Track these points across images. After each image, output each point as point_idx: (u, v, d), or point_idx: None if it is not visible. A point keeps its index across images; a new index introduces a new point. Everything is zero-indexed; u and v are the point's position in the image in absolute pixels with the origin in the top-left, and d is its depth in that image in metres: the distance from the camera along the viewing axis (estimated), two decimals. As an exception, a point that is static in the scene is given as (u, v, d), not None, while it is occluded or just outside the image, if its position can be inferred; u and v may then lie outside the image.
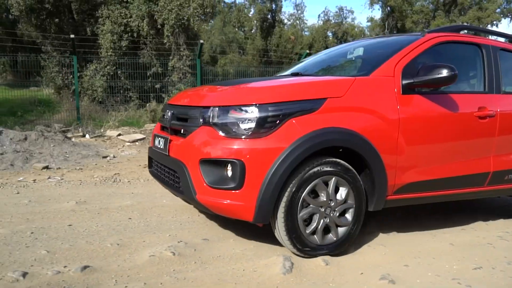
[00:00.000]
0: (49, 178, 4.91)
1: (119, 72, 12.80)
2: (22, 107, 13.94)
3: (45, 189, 4.44)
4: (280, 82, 3.27)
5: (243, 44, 29.08)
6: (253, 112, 2.73)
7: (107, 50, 12.55)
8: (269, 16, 25.09)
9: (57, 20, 13.09)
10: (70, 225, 3.22)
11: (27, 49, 25.04)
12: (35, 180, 4.79)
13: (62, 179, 4.91)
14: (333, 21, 26.27)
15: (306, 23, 33.46)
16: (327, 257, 2.78)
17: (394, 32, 22.77)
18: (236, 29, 30.20)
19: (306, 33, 31.03)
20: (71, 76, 13.33)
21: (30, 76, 14.23)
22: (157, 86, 13.00)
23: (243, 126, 2.73)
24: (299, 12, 31.05)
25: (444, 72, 3.12)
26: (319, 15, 28.52)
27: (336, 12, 30.00)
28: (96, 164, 5.80)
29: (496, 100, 3.81)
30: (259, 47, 24.63)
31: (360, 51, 4.08)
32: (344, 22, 26.69)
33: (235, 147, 2.68)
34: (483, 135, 3.68)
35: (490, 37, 5.85)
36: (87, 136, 8.55)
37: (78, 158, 6.12)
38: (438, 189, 3.47)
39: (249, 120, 2.73)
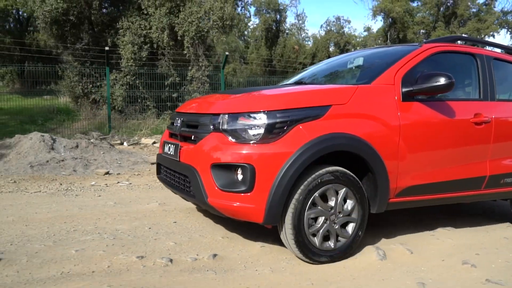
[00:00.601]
0: (118, 182, 5.30)
1: (137, 81, 13.21)
2: (41, 116, 14.23)
3: (121, 192, 4.82)
4: (287, 90, 3.36)
5: (243, 53, 29.63)
6: (262, 119, 2.84)
7: (128, 60, 12.94)
8: (273, 26, 25.68)
9: (76, 31, 13.46)
10: (175, 222, 3.62)
11: (35, 58, 25.38)
12: (107, 184, 5.16)
13: (131, 183, 5.29)
14: (335, 31, 26.91)
15: (307, 33, 34.12)
16: (410, 246, 3.20)
17: (396, 42, 23.44)
18: (237, 38, 30.71)
19: (307, 42, 31.69)
20: (91, 85, 13.72)
21: (37, 85, 14.50)
22: (174, 95, 13.41)
23: (252, 132, 2.84)
24: (300, 22, 31.67)
25: (442, 80, 3.24)
26: (321, 25, 29.06)
27: (334, 21, 30.78)
28: (149, 170, 6.19)
29: (491, 107, 3.94)
30: (264, 57, 25.16)
31: (360, 61, 4.18)
32: (345, 32, 27.33)
33: (246, 152, 2.79)
34: (479, 140, 3.79)
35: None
36: (125, 144, 8.92)
37: (130, 164, 6.50)
38: (437, 192, 3.56)
39: (258, 126, 2.83)
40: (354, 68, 4.14)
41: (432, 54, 3.67)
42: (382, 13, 23.04)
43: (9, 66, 24.18)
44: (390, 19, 22.69)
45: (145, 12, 13.19)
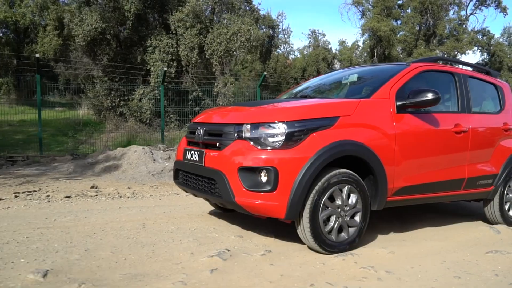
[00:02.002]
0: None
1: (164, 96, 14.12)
2: (67, 128, 14.73)
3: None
4: (301, 103, 3.70)
5: (234, 68, 30.80)
6: (283, 128, 3.19)
7: (158, 76, 13.86)
8: (267, 41, 27.05)
9: (108, 48, 14.27)
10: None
11: (32, 70, 25.52)
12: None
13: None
14: (323, 47, 28.66)
15: (292, 47, 35.76)
16: (501, 227, 4.35)
17: (382, 58, 25.35)
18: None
19: (292, 56, 33.27)
20: (118, 99, 14.48)
21: (33, 95, 14.92)
22: (196, 109, 14.40)
23: (274, 139, 3.18)
24: (286, 36, 33.24)
25: (430, 95, 3.66)
26: (309, 41, 30.66)
27: (309, 34, 32.62)
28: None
29: (467, 118, 4.36)
30: (258, 71, 26.44)
31: (354, 77, 4.54)
32: (331, 48, 29.15)
33: (270, 156, 3.12)
34: (459, 147, 4.22)
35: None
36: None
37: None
38: (425, 192, 3.98)
39: (279, 134, 3.18)
40: (350, 83, 4.49)
41: (420, 72, 4.11)
42: (369, 31, 24.88)
43: (6, 77, 24.24)
44: (377, 37, 24.56)
45: (174, 32, 14.16)
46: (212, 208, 4.58)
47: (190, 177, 3.78)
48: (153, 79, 13.87)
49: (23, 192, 5.07)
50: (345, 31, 59.24)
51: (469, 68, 5.12)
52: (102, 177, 6.42)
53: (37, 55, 8.99)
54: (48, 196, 5.00)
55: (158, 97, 14.30)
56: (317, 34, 31.21)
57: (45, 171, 6.86)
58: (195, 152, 3.66)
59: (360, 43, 27.52)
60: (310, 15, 62.57)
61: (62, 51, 26.57)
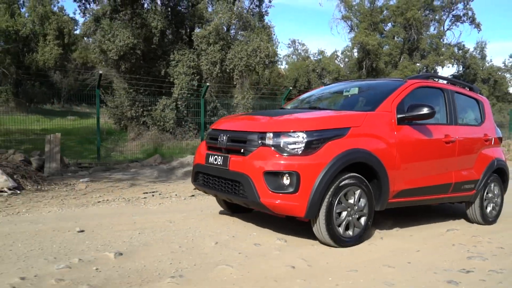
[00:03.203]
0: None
1: (185, 106, 15.11)
2: (90, 136, 15.36)
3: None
4: (317, 114, 4.03)
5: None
6: (303, 137, 3.48)
7: (182, 88, 14.82)
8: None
9: (135, 61, 15.16)
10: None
11: (33, 78, 25.77)
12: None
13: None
14: (313, 58, 30.15)
15: (280, 56, 37.17)
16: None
17: (370, 70, 27.13)
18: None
19: (280, 66, 34.61)
20: (142, 110, 15.32)
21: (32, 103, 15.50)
22: (214, 118, 15.45)
23: (295, 146, 3.46)
24: (275, 46, 34.52)
25: (425, 110, 3.99)
26: (300, 53, 32.01)
27: (289, 44, 34.06)
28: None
29: (455, 129, 4.70)
30: (254, 81, 27.61)
31: (355, 90, 4.86)
32: (321, 60, 30.67)
33: (292, 162, 3.42)
34: (448, 155, 4.55)
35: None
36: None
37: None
38: (420, 195, 4.33)
39: (299, 142, 3.47)
40: (353, 96, 4.80)
41: (415, 88, 4.46)
42: (358, 45, 26.61)
43: (6, 85, 24.44)
44: (365, 51, 26.30)
45: (196, 47, 15.21)
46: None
47: (212, 179, 4.04)
48: (177, 90, 14.82)
49: (148, 193, 6.00)
50: (326, 40, 61.46)
51: (455, 84, 5.42)
52: (188, 180, 7.43)
53: (100, 72, 9.84)
54: (176, 195, 5.88)
55: (180, 107, 15.29)
56: (297, 44, 32.55)
57: (133, 176, 7.76)
58: (219, 157, 3.90)
59: (351, 55, 29.11)
60: (291, 24, 64.35)
61: (62, 59, 27.01)
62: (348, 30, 29.62)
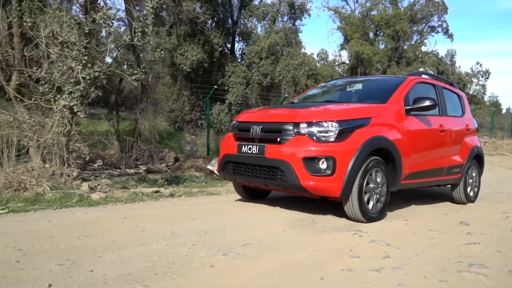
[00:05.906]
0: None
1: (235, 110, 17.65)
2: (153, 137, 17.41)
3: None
4: (342, 106, 4.34)
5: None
6: (335, 126, 3.83)
7: (237, 96, 17.33)
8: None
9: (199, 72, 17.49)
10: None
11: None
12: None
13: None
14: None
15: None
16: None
17: (363, 75, 30.52)
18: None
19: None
20: (199, 113, 17.67)
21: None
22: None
23: (329, 134, 3.79)
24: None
25: (428, 102, 4.40)
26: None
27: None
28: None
29: (446, 120, 5.13)
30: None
31: (360, 86, 5.17)
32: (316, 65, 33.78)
33: (328, 148, 3.75)
34: (442, 143, 4.95)
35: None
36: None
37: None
38: (422, 178, 4.72)
39: (332, 131, 3.81)
40: (360, 90, 5.13)
41: (416, 83, 4.85)
42: (353, 54, 30.02)
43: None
44: (360, 59, 29.71)
45: (249, 61, 17.79)
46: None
47: (244, 168, 4.27)
48: (233, 97, 17.32)
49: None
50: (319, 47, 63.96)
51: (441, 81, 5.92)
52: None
53: (214, 87, 12.21)
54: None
55: (233, 113, 17.78)
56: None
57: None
58: (254, 146, 4.15)
59: (346, 61, 32.42)
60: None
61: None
62: (343, 40, 32.80)
